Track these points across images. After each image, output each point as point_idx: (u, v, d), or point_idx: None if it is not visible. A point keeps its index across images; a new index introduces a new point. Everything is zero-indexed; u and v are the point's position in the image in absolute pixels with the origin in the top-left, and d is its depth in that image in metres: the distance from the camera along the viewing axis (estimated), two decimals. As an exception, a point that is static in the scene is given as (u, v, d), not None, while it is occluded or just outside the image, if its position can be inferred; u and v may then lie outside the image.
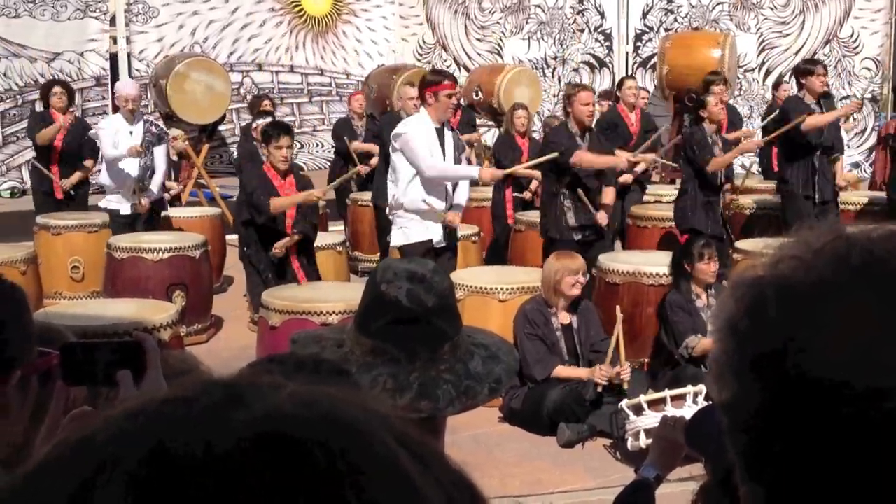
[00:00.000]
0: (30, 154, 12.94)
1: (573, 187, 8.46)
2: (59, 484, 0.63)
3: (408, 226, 7.79)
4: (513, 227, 10.18)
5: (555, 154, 8.25)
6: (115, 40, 13.82)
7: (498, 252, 10.31)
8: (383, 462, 0.64)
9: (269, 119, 10.51)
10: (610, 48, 15.94)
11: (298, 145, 15.06)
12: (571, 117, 8.56)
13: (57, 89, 10.68)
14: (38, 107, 13.00)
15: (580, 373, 6.75)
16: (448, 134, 7.92)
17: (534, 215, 10.14)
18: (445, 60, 16.24)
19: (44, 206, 10.46)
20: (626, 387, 6.57)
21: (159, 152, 9.75)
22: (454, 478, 0.69)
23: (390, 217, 8.05)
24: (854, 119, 10.55)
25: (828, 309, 0.88)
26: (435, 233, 7.76)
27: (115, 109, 12.29)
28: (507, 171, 9.13)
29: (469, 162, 10.05)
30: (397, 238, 7.89)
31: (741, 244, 8.62)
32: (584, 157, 8.30)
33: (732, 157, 9.55)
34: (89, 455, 0.64)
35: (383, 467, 0.64)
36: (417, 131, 7.66)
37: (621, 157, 8.54)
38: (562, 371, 6.76)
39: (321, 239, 9.36)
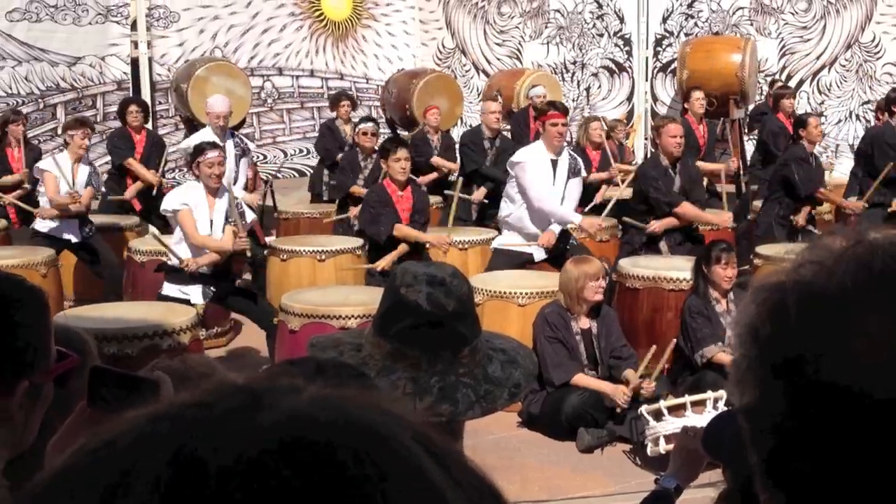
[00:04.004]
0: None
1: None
2: (83, 490, 0.62)
3: (511, 238, 8.49)
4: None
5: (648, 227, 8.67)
6: (136, 45, 13.88)
7: None
8: (406, 465, 0.64)
9: (370, 123, 10.59)
10: (629, 53, 15.90)
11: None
12: (660, 149, 8.68)
13: (133, 108, 10.92)
14: (60, 112, 13.09)
15: (602, 386, 6.70)
16: (562, 164, 8.35)
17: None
18: (465, 65, 16.24)
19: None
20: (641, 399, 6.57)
21: (243, 165, 9.67)
22: (476, 480, 0.69)
23: (500, 227, 8.76)
24: None
25: (849, 315, 0.87)
26: (536, 250, 8.39)
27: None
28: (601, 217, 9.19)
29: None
30: (499, 241, 8.59)
31: (762, 249, 8.59)
32: (689, 211, 8.64)
33: (829, 198, 10.06)
34: (113, 460, 0.63)
35: (406, 470, 0.64)
36: (532, 162, 8.25)
37: (724, 217, 8.91)
38: (582, 381, 6.72)
39: (340, 243, 9.36)
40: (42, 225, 9.23)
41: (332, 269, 8.88)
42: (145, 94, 13.46)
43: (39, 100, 13.25)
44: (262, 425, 0.64)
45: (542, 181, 8.25)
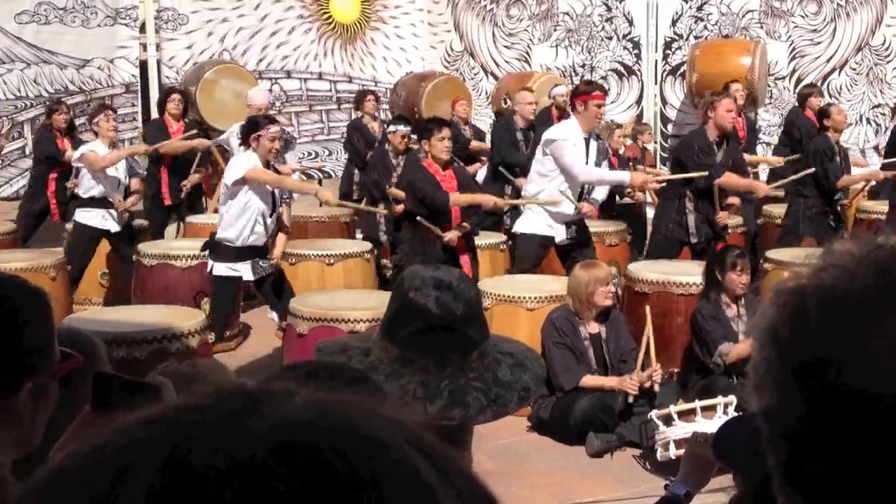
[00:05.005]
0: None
1: (699, 194, 8.59)
2: (76, 492, 0.62)
3: (532, 218, 8.39)
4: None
5: (704, 174, 8.48)
6: (144, 47, 13.89)
7: None
8: (402, 469, 0.64)
9: (404, 126, 10.54)
10: (638, 56, 15.89)
11: (326, 152, 15.09)
12: (711, 123, 8.69)
13: (175, 96, 11.06)
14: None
15: (609, 382, 6.71)
16: (593, 143, 8.34)
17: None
18: (473, 68, 16.24)
19: (153, 211, 10.60)
20: (657, 388, 6.55)
21: (290, 158, 9.65)
22: (471, 485, 0.68)
23: (522, 209, 8.65)
24: None
25: (870, 319, 0.87)
26: (558, 232, 8.33)
27: (146, 116, 12.37)
28: (662, 177, 9.19)
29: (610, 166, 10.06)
30: (519, 225, 8.54)
31: (772, 254, 8.56)
32: (731, 181, 8.55)
33: (860, 179, 9.83)
34: (105, 464, 0.63)
35: (402, 475, 0.63)
36: (569, 137, 8.18)
37: (761, 187, 8.78)
38: (589, 381, 6.72)
39: (348, 247, 9.37)
40: (83, 216, 9.30)
41: (341, 272, 8.88)
42: (154, 97, 13.46)
43: (48, 102, 13.26)
44: (254, 429, 0.64)
45: (581, 155, 8.25)
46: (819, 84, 14.46)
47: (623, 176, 8.42)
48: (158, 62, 14.00)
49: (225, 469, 0.61)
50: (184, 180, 10.70)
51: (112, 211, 9.27)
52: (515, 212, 9.51)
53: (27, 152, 13.48)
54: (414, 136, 10.17)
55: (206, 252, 7.88)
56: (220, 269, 7.61)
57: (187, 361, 2.33)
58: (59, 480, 0.64)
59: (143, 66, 13.91)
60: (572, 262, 7.85)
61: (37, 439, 1.84)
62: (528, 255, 8.08)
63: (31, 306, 1.84)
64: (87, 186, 9.25)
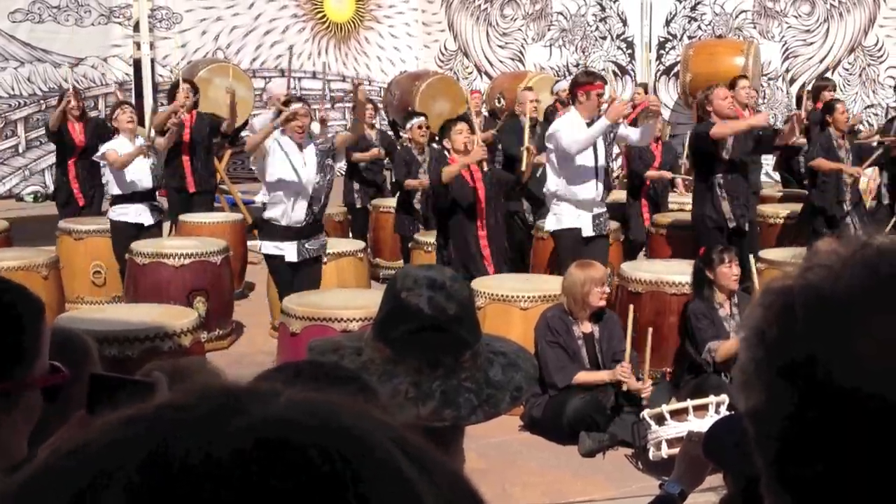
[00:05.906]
0: (52, 159, 13.01)
1: (729, 177, 8.78)
2: (57, 490, 0.62)
3: (561, 212, 8.40)
4: (534, 234, 10.15)
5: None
6: (138, 46, 13.87)
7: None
8: (384, 468, 0.64)
9: (421, 118, 10.70)
10: (632, 56, 15.90)
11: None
12: (714, 116, 8.86)
13: (184, 86, 10.98)
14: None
15: (602, 376, 6.71)
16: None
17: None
18: (467, 67, 16.25)
19: (177, 204, 10.61)
20: (644, 403, 6.55)
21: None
22: (457, 486, 0.68)
23: (547, 205, 8.69)
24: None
25: (856, 319, 0.87)
26: (585, 223, 8.36)
27: (140, 115, 12.36)
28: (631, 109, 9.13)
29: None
30: (550, 223, 8.59)
31: (765, 254, 8.57)
32: (721, 129, 8.67)
33: (835, 167, 9.83)
34: (88, 462, 0.63)
35: (384, 473, 0.63)
36: (568, 126, 8.20)
37: (760, 116, 8.79)
38: (583, 376, 6.72)
39: (342, 245, 9.36)
40: (116, 214, 9.31)
41: (333, 271, 8.88)
42: (147, 96, 13.46)
43: (42, 101, 13.25)
44: (237, 428, 0.64)
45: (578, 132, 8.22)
46: (809, 84, 14.48)
47: (601, 122, 8.33)
48: (152, 61, 13.98)
49: (204, 466, 0.61)
50: (204, 166, 10.76)
51: (145, 204, 9.29)
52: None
53: (20, 150, 13.47)
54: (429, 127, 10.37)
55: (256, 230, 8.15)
56: (268, 247, 7.77)
57: (171, 360, 2.32)
58: (41, 479, 0.64)
59: (137, 64, 13.89)
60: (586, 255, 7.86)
61: (17, 447, 1.80)
62: (570, 252, 8.03)
63: (26, 308, 1.80)
64: (120, 180, 9.21)
